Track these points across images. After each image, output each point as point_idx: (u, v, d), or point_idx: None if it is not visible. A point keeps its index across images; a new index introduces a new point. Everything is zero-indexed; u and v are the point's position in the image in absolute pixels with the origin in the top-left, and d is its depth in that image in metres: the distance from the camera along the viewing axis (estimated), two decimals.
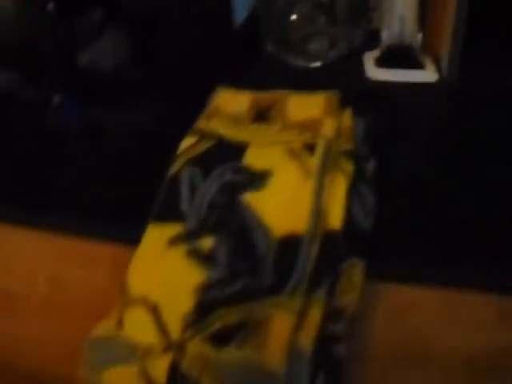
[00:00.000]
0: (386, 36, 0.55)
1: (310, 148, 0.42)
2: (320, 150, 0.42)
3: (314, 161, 0.41)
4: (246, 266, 0.37)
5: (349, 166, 0.42)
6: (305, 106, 0.46)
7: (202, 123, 0.46)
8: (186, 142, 0.45)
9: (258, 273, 0.36)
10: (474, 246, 0.39)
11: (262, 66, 0.57)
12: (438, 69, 0.55)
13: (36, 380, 0.40)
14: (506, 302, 0.37)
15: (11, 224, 0.47)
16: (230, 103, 0.48)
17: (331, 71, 0.55)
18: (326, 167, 0.41)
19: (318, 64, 0.56)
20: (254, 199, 0.40)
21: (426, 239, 0.40)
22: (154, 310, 0.36)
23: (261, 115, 0.47)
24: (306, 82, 0.52)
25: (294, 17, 0.55)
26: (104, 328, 0.37)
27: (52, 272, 0.44)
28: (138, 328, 0.36)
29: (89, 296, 0.41)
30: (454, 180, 0.44)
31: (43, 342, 0.40)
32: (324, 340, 0.33)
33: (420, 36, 0.54)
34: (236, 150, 0.44)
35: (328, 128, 0.44)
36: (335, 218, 0.39)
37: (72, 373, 0.36)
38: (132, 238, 0.41)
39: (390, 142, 0.47)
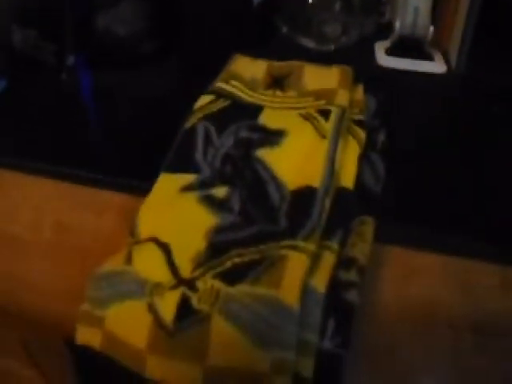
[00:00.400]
0: (398, 26, 0.56)
1: (325, 113, 0.43)
2: (334, 115, 0.43)
3: (329, 124, 0.42)
4: (261, 214, 0.37)
5: (361, 134, 0.43)
6: (320, 77, 0.47)
7: (218, 84, 0.47)
8: (203, 100, 0.46)
9: (272, 220, 0.37)
10: (476, 216, 0.40)
11: (276, 46, 0.58)
12: (447, 62, 0.56)
13: (39, 323, 0.39)
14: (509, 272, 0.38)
15: (19, 172, 0.47)
16: (247, 69, 0.49)
17: (343, 56, 0.57)
18: (340, 132, 0.42)
19: (330, 47, 0.57)
20: (268, 155, 0.41)
21: (433, 208, 0.41)
22: (165, 248, 0.36)
23: (277, 82, 0.48)
24: (318, 64, 0.53)
25: (310, 0, 0.57)
26: (112, 264, 0.36)
27: (59, 218, 0.43)
28: (148, 263, 0.36)
29: (96, 241, 0.41)
30: (456, 154, 0.46)
31: (48, 286, 0.39)
32: (336, 286, 0.34)
33: (431, 29, 0.56)
34: (252, 111, 0.45)
35: (342, 97, 0.45)
36: (348, 178, 0.40)
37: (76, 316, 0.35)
38: (142, 188, 0.41)
39: (398, 118, 0.48)
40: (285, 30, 0.58)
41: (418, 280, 0.38)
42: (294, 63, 0.49)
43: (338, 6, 0.57)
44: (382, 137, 0.44)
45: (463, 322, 0.35)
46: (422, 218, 0.41)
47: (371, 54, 0.57)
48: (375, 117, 0.46)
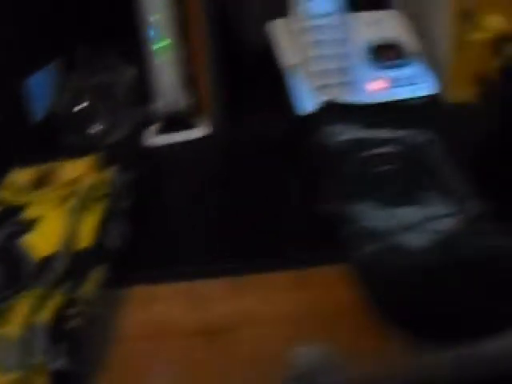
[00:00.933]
0: (160, 107, 0.66)
1: (73, 195, 0.53)
2: (78, 195, 0.52)
3: (73, 203, 0.51)
4: (11, 283, 0.46)
5: (103, 205, 0.52)
6: (74, 168, 0.57)
7: None
8: None
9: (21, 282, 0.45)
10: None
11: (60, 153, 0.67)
12: (210, 126, 0.66)
13: None
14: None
15: None
16: (19, 177, 0.58)
17: (119, 147, 0.66)
18: (82, 207, 0.51)
19: (102, 144, 0.67)
20: (27, 239, 0.50)
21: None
22: None
23: (42, 182, 0.57)
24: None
25: (77, 108, 0.67)
26: None
27: None
28: None
29: None
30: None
31: None
32: (63, 318, 0.41)
33: (189, 101, 0.66)
34: (18, 210, 0.54)
35: (87, 181, 0.54)
36: (87, 239, 0.48)
37: None
38: None
39: (168, 184, 0.58)
40: (67, 138, 0.68)
41: (156, 306, 0.45)
42: (56, 163, 0.58)
43: (102, 107, 0.67)
44: (125, 204, 0.54)
45: (194, 330, 0.42)
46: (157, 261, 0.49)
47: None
48: (122, 189, 0.55)
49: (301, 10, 0.66)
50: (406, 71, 0.69)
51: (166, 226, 0.53)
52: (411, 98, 0.68)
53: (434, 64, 0.70)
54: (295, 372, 0.36)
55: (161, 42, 0.65)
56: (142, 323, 0.43)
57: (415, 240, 0.43)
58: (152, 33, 0.65)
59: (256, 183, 0.56)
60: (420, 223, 0.45)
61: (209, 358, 0.40)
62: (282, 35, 0.69)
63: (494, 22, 0.62)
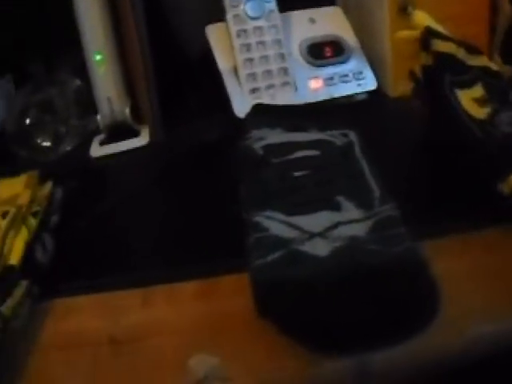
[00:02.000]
0: (101, 119, 0.68)
1: (7, 214, 0.54)
2: (11, 214, 0.54)
3: (5, 222, 0.53)
4: None
5: (34, 222, 0.53)
6: (11, 186, 0.58)
7: None
8: None
9: None
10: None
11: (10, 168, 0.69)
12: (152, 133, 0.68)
13: None
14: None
15: None
16: None
17: (66, 160, 0.68)
18: (13, 225, 0.52)
19: (50, 157, 0.68)
20: None
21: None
22: None
23: None
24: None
25: (27, 121, 0.69)
26: None
27: None
28: None
29: None
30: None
31: None
32: None
33: (127, 110, 0.67)
34: None
35: (23, 198, 0.56)
36: (15, 257, 0.50)
37: None
38: None
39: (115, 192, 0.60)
40: (20, 152, 0.70)
41: (72, 318, 0.47)
42: None
43: (49, 120, 0.68)
44: (55, 219, 0.55)
45: (104, 340, 0.44)
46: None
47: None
48: (56, 203, 0.57)
49: (236, 14, 0.68)
50: (345, 68, 0.70)
51: (92, 237, 0.54)
52: (350, 95, 0.69)
53: (375, 60, 0.71)
54: (192, 379, 0.38)
55: (98, 55, 0.66)
56: (57, 334, 0.45)
57: (319, 248, 0.43)
58: (90, 46, 0.66)
59: (188, 192, 0.58)
60: (328, 229, 0.45)
61: (116, 367, 0.41)
62: (219, 39, 0.70)
63: (422, 19, 0.63)
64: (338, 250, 0.43)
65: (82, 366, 0.42)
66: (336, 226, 0.45)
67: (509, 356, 0.41)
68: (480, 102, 0.58)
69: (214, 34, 0.71)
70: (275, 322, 0.40)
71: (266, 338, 0.40)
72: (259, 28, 0.67)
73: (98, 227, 0.56)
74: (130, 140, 0.67)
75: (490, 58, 0.70)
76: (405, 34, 0.63)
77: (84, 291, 0.48)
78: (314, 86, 0.68)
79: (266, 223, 0.46)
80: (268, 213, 0.46)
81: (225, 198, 0.54)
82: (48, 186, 0.58)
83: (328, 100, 0.68)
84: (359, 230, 0.45)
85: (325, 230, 0.45)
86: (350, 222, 0.46)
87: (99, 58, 0.66)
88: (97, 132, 0.69)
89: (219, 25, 0.71)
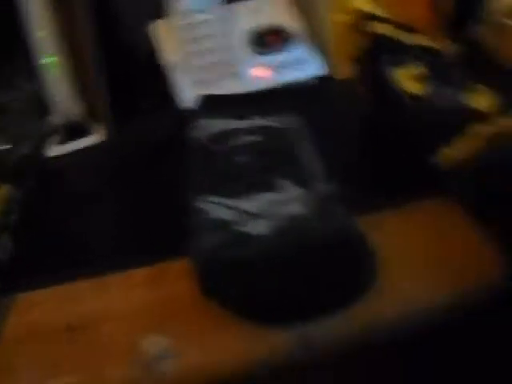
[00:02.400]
0: (57, 118, 0.69)
1: None
2: None
3: None
4: None
5: None
6: None
7: None
8: None
9: None
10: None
11: None
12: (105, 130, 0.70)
13: None
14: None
15: None
16: None
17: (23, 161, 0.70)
18: None
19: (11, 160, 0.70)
20: None
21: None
22: None
23: None
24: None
25: None
26: None
27: None
28: None
29: None
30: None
31: None
32: None
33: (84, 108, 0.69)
34: None
35: None
36: None
37: None
38: None
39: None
40: None
41: (34, 311, 0.48)
42: None
43: (3, 125, 0.70)
44: (14, 218, 0.57)
45: (60, 329, 0.46)
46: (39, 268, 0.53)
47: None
48: (13, 204, 0.59)
49: (179, 7, 0.69)
50: (290, 55, 0.72)
51: (51, 233, 0.56)
52: (297, 81, 0.71)
53: (319, 45, 0.73)
54: (144, 359, 0.41)
55: (49, 57, 0.68)
56: (18, 327, 0.47)
57: (260, 227, 0.45)
58: (39, 48, 0.68)
59: (140, 186, 0.59)
60: (268, 210, 0.47)
61: (71, 353, 0.43)
62: (163, 34, 0.71)
63: (359, 2, 0.65)
64: (279, 228, 0.45)
65: (41, 356, 0.44)
66: (277, 205, 0.48)
67: (441, 327, 0.44)
68: (419, 79, 0.60)
69: (157, 30, 0.72)
70: (219, 301, 0.42)
71: (213, 316, 0.42)
72: (204, 21, 0.68)
73: (55, 225, 0.58)
74: (84, 139, 0.69)
75: (436, 38, 0.72)
76: (341, 17, 0.65)
77: (44, 285, 0.50)
78: (261, 75, 0.70)
79: (207, 207, 0.48)
80: (211, 198, 0.49)
81: (175, 190, 0.56)
82: (6, 187, 0.60)
83: (274, 87, 0.70)
84: (299, 208, 0.47)
85: (265, 211, 0.47)
86: (291, 201, 0.48)
87: (50, 60, 0.67)
88: (53, 133, 0.71)
89: (162, 21, 0.72)
